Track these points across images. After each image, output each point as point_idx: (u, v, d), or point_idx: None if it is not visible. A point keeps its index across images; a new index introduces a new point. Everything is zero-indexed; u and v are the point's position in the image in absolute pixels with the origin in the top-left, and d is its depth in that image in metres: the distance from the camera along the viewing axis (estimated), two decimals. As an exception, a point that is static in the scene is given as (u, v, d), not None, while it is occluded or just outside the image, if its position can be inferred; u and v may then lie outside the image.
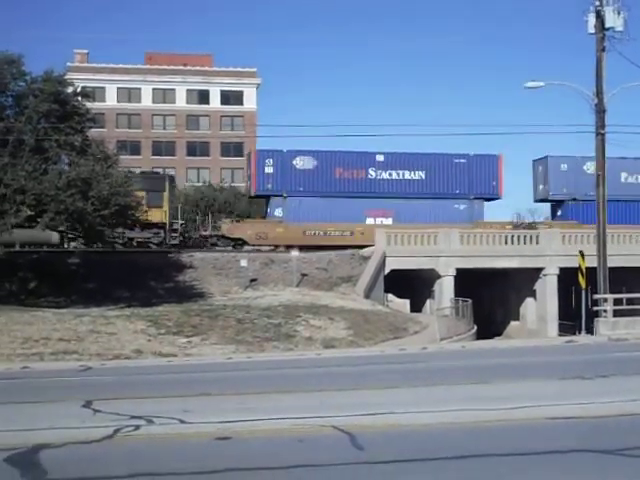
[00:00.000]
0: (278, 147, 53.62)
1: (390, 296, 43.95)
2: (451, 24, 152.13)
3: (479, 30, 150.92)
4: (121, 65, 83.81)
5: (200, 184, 72.67)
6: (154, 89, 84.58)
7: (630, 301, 33.68)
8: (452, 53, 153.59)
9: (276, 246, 49.66)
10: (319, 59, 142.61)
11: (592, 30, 30.96)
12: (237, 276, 42.67)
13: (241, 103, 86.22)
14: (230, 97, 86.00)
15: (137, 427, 10.78)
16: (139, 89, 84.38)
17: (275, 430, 10.46)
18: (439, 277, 46.07)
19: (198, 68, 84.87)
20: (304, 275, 42.82)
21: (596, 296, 30.04)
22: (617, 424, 10.47)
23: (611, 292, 31.28)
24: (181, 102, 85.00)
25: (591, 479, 7.84)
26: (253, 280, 42.14)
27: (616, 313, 30.20)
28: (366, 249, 46.68)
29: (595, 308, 29.49)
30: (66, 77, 36.26)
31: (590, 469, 8.17)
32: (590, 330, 29.04)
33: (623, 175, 57.78)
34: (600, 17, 30.60)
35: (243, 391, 14.30)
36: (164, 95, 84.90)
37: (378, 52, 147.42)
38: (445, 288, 45.57)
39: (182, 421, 11.18)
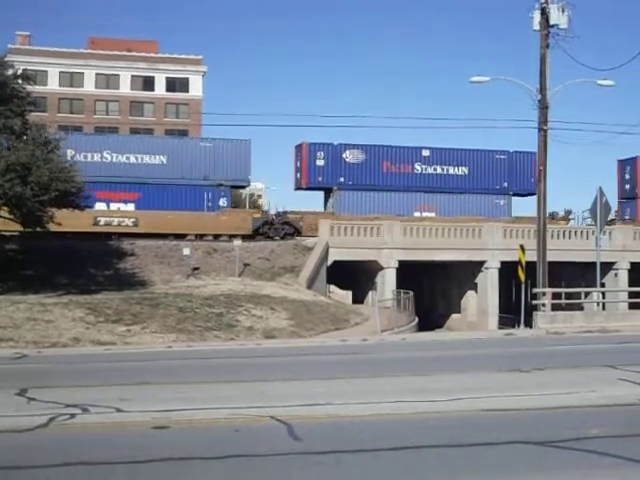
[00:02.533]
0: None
1: (332, 287, 44.02)
2: (400, 16, 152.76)
3: (429, 21, 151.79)
4: (64, 49, 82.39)
5: None
6: (97, 74, 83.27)
7: (569, 295, 34.24)
8: (394, 46, 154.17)
9: None
10: (267, 48, 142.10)
11: (537, 27, 31.24)
12: (179, 265, 42.36)
13: (187, 90, 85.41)
14: (175, 84, 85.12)
15: (72, 416, 10.64)
16: (82, 74, 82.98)
17: (213, 420, 10.41)
18: (381, 269, 46.24)
19: (143, 54, 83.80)
20: (247, 265, 42.68)
21: (535, 290, 30.42)
22: (551, 416, 10.62)
23: (550, 286, 31.71)
24: (125, 88, 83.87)
25: (525, 470, 7.92)
26: (195, 269, 41.87)
27: (555, 307, 30.63)
28: (309, 239, 46.67)
29: (534, 302, 29.85)
30: (6, 59, 35.46)
31: (524, 460, 8.26)
32: (529, 323, 29.36)
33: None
34: (545, 14, 30.89)
35: (182, 380, 14.19)
36: (107, 80, 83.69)
37: (326, 42, 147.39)
38: (387, 280, 45.75)
39: (119, 410, 11.06)
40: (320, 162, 54.36)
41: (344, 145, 55.19)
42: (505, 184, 57.29)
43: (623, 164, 61.85)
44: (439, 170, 56.17)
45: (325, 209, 55.93)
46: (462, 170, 56.51)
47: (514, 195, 58.36)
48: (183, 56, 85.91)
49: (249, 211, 52.52)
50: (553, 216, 60.21)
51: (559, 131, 47.77)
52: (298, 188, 57.99)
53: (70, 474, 7.89)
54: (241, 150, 51.18)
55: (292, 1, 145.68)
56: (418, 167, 55.90)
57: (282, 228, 49.42)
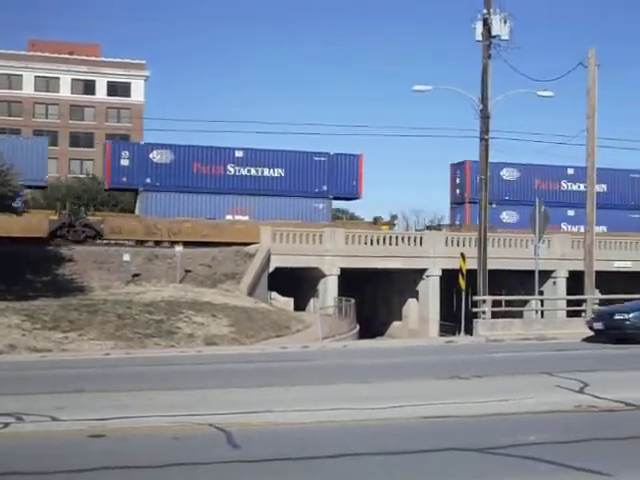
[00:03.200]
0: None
1: (274, 294, 43.91)
2: (342, 25, 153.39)
3: (371, 32, 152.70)
4: (3, 50, 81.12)
5: (84, 176, 70.95)
6: (37, 77, 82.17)
7: (508, 303, 34.59)
8: (343, 54, 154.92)
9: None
10: (212, 54, 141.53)
11: (479, 38, 31.60)
12: (119, 271, 41.86)
13: (128, 95, 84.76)
14: (117, 88, 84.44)
15: (6, 425, 10.42)
16: (21, 76, 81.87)
17: (151, 428, 10.27)
18: (323, 276, 46.29)
19: (84, 57, 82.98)
20: (188, 271, 42.36)
21: (475, 298, 30.69)
22: (490, 423, 10.68)
23: (491, 294, 32.03)
24: (65, 91, 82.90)
25: (463, 477, 7.94)
26: (136, 275, 41.42)
27: (495, 315, 30.94)
28: (252, 246, 46.50)
29: (474, 309, 30.12)
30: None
31: (463, 467, 8.29)
32: (469, 331, 29.61)
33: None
34: (487, 25, 31.25)
35: (120, 388, 14.00)
36: (47, 83, 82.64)
37: (271, 48, 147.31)
38: (329, 287, 45.82)
39: (54, 418, 10.86)
40: (125, 162, 52.13)
41: (151, 145, 53.33)
42: (325, 187, 54.34)
43: (454, 168, 60.91)
44: (253, 172, 53.61)
45: (136, 211, 53.55)
46: (278, 172, 53.90)
47: (335, 199, 55.91)
48: (126, 60, 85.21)
49: (45, 212, 49.96)
50: (376, 221, 58.59)
51: (501, 140, 48.43)
52: (106, 189, 56.78)
53: (2, 484, 7.70)
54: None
55: (239, 7, 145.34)
56: (231, 169, 53.33)
57: (82, 231, 47.90)
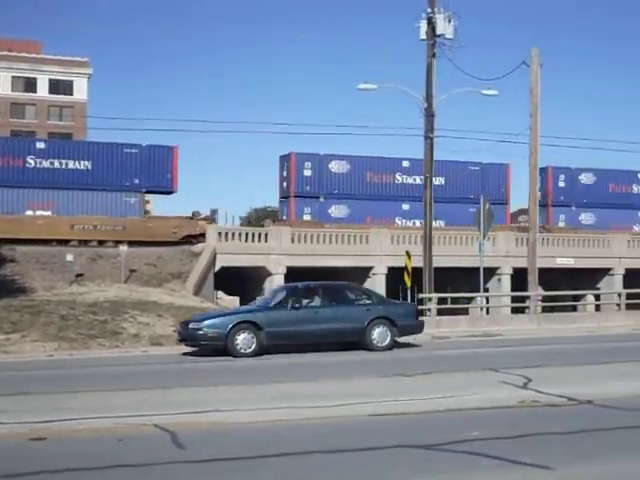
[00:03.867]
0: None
1: (220, 293, 43.69)
2: (287, 23, 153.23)
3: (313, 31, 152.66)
4: (-61, 47, 79.61)
5: None
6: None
7: (454, 300, 34.90)
8: (287, 52, 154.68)
9: None
10: (156, 52, 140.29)
11: (424, 36, 31.81)
12: (62, 271, 41.26)
13: (71, 93, 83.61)
14: (59, 86, 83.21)
15: (-56, 429, 10.20)
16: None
17: (94, 429, 10.15)
18: (270, 275, 46.19)
19: (25, 54, 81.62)
20: (133, 271, 41.92)
21: (421, 295, 30.91)
22: (435, 419, 10.76)
23: (437, 292, 32.28)
24: (5, 89, 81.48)
25: (409, 473, 7.97)
26: (79, 275, 40.87)
27: (440, 312, 31.19)
28: (197, 245, 46.20)
29: (420, 307, 30.32)
30: None
31: (408, 464, 8.33)
32: (415, 328, 29.74)
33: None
34: (432, 24, 31.47)
35: (63, 390, 13.81)
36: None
37: (216, 46, 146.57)
38: (275, 286, 45.72)
39: (-5, 421, 10.66)
40: None
41: None
42: (137, 181, 50.95)
43: (282, 161, 58.17)
44: (57, 164, 49.83)
45: None
46: (84, 164, 50.23)
47: (148, 193, 53.35)
48: (68, 58, 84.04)
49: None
50: (194, 216, 56.84)
51: (446, 139, 48.80)
52: None
53: (-60, 490, 7.53)
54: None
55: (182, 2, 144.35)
56: (31, 161, 49.32)
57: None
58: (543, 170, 62.02)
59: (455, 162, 56.30)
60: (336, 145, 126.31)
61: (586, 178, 61.54)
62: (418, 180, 51.76)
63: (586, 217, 61.29)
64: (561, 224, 59.35)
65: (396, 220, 55.74)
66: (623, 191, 62.10)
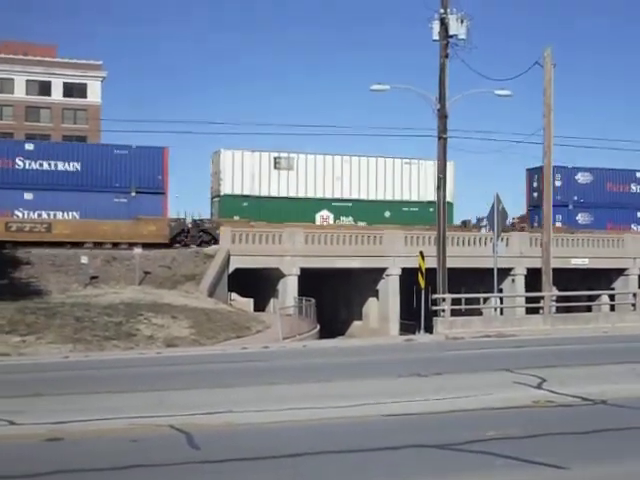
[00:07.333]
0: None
1: (234, 295, 43.83)
2: (301, 22, 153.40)
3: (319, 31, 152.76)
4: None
5: None
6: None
7: (468, 301, 34.83)
8: (297, 51, 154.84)
9: None
10: (170, 54, 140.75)
11: (437, 37, 31.77)
12: (77, 273, 41.49)
13: (85, 96, 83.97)
14: (73, 89, 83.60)
15: (-39, 429, 10.27)
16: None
17: (109, 430, 10.18)
18: (283, 276, 46.28)
19: (39, 58, 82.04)
20: (147, 273, 42.11)
21: (435, 296, 30.85)
22: (450, 419, 10.75)
23: (451, 292, 32.21)
24: (20, 92, 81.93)
25: (424, 473, 7.98)
26: (94, 277, 41.08)
27: (454, 312, 31.11)
28: (211, 247, 46.36)
29: (434, 308, 30.27)
30: None
31: (423, 463, 8.33)
32: (429, 329, 29.75)
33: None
34: (444, 25, 31.44)
35: (78, 391, 13.87)
36: (2, 84, 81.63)
37: (228, 47, 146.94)
38: (289, 287, 45.81)
39: (12, 422, 10.73)
40: None
41: None
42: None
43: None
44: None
45: None
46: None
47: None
48: (82, 61, 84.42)
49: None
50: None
51: (460, 140, 48.68)
52: None
53: (-43, 490, 7.59)
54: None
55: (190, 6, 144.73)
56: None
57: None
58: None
59: (97, 145, 55.12)
60: (343, 145, 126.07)
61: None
62: (45, 166, 50.29)
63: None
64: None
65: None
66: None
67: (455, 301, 32.31)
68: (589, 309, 46.31)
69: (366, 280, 50.37)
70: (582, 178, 61.58)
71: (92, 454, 8.90)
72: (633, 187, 62.76)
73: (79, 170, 50.29)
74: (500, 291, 39.41)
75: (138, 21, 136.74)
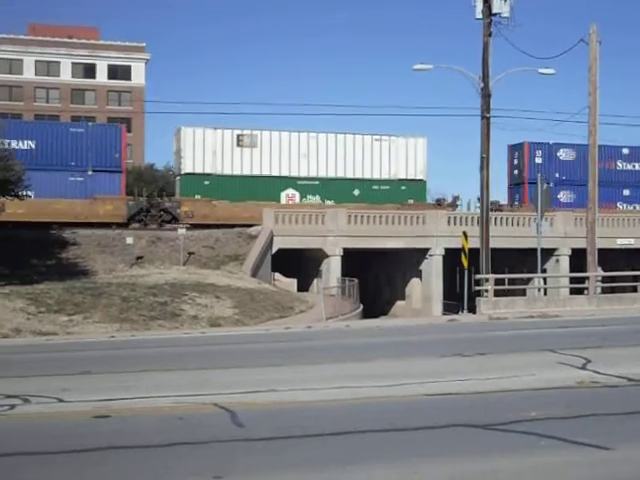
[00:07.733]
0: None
1: (277, 275, 43.99)
2: (339, 6, 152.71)
3: (365, 14, 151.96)
4: (3, 35, 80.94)
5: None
6: (37, 61, 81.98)
7: (511, 281, 34.67)
8: (340, 34, 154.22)
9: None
10: (209, 36, 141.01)
11: (480, 15, 31.50)
12: (123, 254, 41.92)
13: (129, 78, 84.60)
14: (117, 72, 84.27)
15: (12, 407, 10.50)
16: (21, 60, 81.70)
17: (155, 408, 10.35)
18: (326, 257, 46.34)
19: (84, 41, 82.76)
20: (191, 253, 42.42)
21: (478, 276, 30.73)
22: (493, 400, 10.75)
23: (493, 272, 32.06)
24: (66, 75, 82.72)
25: (467, 452, 8.00)
26: (139, 258, 41.49)
27: (497, 293, 30.98)
28: (254, 228, 46.54)
29: (477, 288, 30.17)
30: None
31: (466, 443, 8.35)
32: (472, 309, 29.67)
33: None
34: (488, 3, 31.15)
35: (124, 369, 14.10)
36: (48, 67, 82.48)
37: (267, 30, 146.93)
38: (332, 268, 45.87)
39: (60, 400, 10.95)
40: None
41: None
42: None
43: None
44: None
45: None
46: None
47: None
48: (125, 43, 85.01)
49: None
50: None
51: (503, 119, 48.28)
52: None
53: (10, 465, 7.77)
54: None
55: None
56: None
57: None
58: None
59: (52, 124, 53.01)
60: (382, 123, 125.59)
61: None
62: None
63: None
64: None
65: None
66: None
67: (498, 281, 32.18)
68: (635, 289, 45.80)
69: (409, 260, 50.27)
70: (564, 155, 59.33)
71: (139, 431, 9.06)
72: (620, 164, 60.34)
73: (33, 148, 49.36)
74: (544, 271, 39.12)
75: (180, 1, 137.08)
